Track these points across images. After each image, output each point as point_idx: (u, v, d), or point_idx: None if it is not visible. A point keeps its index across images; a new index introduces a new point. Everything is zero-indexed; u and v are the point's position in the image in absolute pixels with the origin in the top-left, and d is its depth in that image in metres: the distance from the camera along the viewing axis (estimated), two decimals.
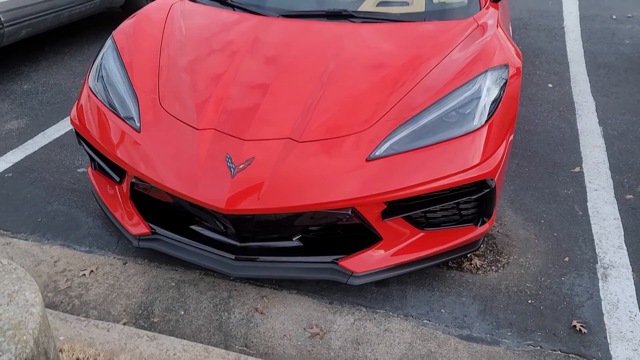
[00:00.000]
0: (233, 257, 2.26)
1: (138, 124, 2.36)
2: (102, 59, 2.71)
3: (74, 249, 2.63)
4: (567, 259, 2.57)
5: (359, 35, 2.71)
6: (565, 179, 3.16)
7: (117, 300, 2.34)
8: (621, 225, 2.77)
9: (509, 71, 2.45)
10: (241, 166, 2.13)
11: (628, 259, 2.55)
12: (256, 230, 2.23)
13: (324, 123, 2.26)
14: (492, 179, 2.22)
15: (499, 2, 3.10)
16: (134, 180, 2.31)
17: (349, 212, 2.12)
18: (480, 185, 2.23)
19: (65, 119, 3.85)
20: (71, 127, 3.74)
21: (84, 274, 2.47)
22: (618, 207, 2.91)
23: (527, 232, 2.75)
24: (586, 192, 3.03)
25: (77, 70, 4.68)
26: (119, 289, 2.40)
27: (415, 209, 2.21)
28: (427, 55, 2.53)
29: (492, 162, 2.22)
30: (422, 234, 2.32)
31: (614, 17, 5.96)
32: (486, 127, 2.25)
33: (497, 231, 2.75)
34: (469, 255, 2.59)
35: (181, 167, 2.19)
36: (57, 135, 3.64)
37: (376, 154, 2.16)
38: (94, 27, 5.72)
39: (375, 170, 2.14)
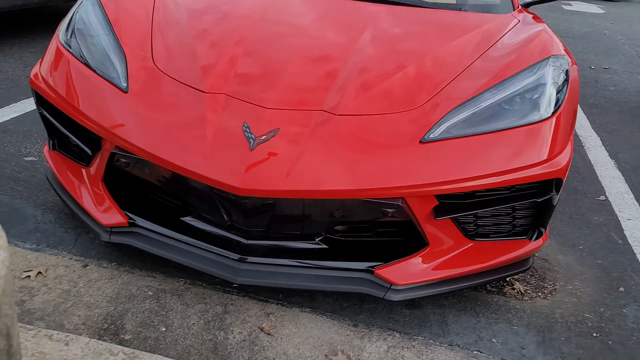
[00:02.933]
0: (237, 257, 1.74)
1: (125, 84, 1.85)
2: (77, 10, 2.19)
3: (16, 245, 2.02)
4: (622, 289, 2.19)
5: (397, 13, 2.34)
6: (592, 206, 2.84)
7: (73, 310, 1.75)
8: None
9: (568, 63, 2.12)
10: (263, 137, 1.65)
11: None
12: (272, 223, 1.73)
13: (366, 96, 1.83)
14: (561, 179, 1.84)
15: (529, 8, 2.83)
16: (115, 150, 1.77)
17: (399, 203, 1.66)
18: (546, 185, 1.85)
19: (11, 105, 3.23)
20: (17, 114, 3.12)
21: (29, 276, 1.86)
22: None
23: (567, 257, 2.38)
24: (619, 221, 2.71)
25: (27, 60, 4.07)
26: (77, 296, 1.81)
27: (471, 208, 1.79)
28: (476, 36, 2.18)
29: (562, 159, 1.85)
30: (470, 244, 1.88)
31: (592, 67, 5.97)
32: (554, 119, 1.88)
33: (534, 255, 2.35)
34: (508, 279, 2.17)
35: (182, 135, 1.68)
36: (0, 121, 3.02)
37: (431, 136, 1.74)
38: (50, 21, 5.14)
39: (430, 155, 1.71)
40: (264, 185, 1.57)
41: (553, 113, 1.89)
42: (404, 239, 1.82)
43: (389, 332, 1.83)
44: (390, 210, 1.70)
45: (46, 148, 2.17)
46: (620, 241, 2.54)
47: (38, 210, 2.24)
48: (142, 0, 2.24)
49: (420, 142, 1.72)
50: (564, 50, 2.27)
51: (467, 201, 1.78)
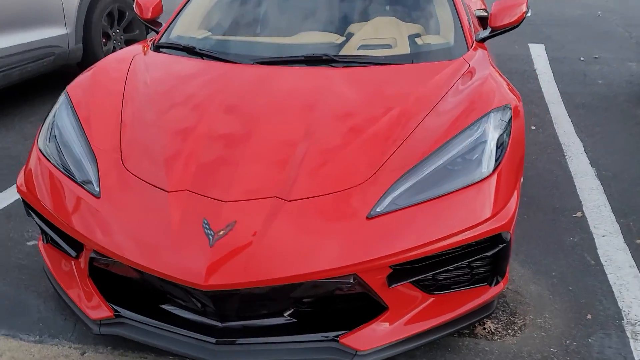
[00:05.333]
0: (214, 340, 1.90)
1: (97, 189, 2.03)
2: (54, 116, 2.38)
3: (21, 339, 2.21)
4: (589, 316, 2.30)
5: (343, 81, 2.47)
6: (568, 225, 2.93)
7: None
8: (639, 273, 2.53)
9: (511, 112, 2.23)
10: (221, 232, 1.81)
11: None
12: (241, 307, 1.89)
13: (314, 178, 1.98)
14: (507, 232, 1.96)
15: (484, 42, 2.93)
16: (93, 255, 1.96)
17: (351, 280, 1.81)
18: (494, 240, 1.97)
19: (13, 186, 3.45)
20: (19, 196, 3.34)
21: None
22: (631, 253, 2.68)
23: (539, 287, 2.48)
24: (594, 239, 2.80)
25: (28, 132, 4.31)
26: None
27: (424, 271, 1.92)
28: (420, 99, 2.30)
29: (506, 213, 1.96)
30: (432, 299, 2.01)
31: (582, 58, 5.98)
32: (496, 175, 2.00)
33: (507, 288, 2.47)
34: None
35: (149, 236, 1.85)
36: (3, 205, 3.24)
37: (377, 210, 1.88)
38: (48, 86, 5.38)
39: (377, 229, 1.85)
40: (224, 279, 1.73)
41: (495, 169, 2.00)
42: (366, 304, 1.96)
43: None
44: (345, 286, 1.84)
45: (41, 242, 2.37)
46: (593, 262, 2.63)
47: (40, 299, 2.43)
48: (111, 96, 2.43)
49: (367, 218, 1.86)
50: (509, 89, 2.38)
51: (418, 265, 1.91)
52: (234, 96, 2.39)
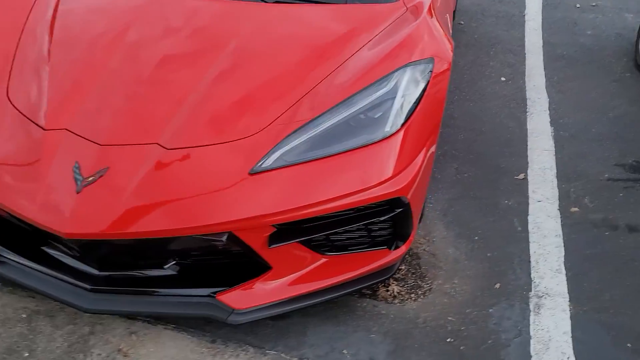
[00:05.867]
0: (88, 287, 1.85)
1: None
2: None
3: None
4: (498, 285, 2.22)
5: (265, 19, 2.28)
6: (507, 187, 2.80)
7: None
8: (562, 244, 2.43)
9: (434, 67, 2.05)
10: (90, 179, 1.71)
11: (566, 286, 2.22)
12: (113, 256, 1.82)
13: (204, 125, 1.85)
14: (404, 197, 1.84)
15: None
16: None
17: (223, 239, 1.72)
18: (391, 204, 1.85)
19: None
20: None
21: None
22: (561, 221, 2.56)
23: (458, 251, 2.39)
24: (528, 204, 2.68)
25: None
26: None
27: (312, 232, 1.83)
28: (341, 45, 2.12)
29: (405, 177, 1.84)
30: (324, 259, 1.93)
31: (578, 5, 5.61)
32: (400, 134, 1.86)
33: (424, 249, 2.39)
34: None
35: (18, 177, 1.76)
36: None
37: (262, 165, 1.76)
38: None
39: (260, 186, 1.74)
40: (87, 229, 1.65)
41: (399, 129, 1.86)
42: (250, 262, 1.88)
43: (244, 347, 1.93)
44: (220, 243, 1.76)
45: None
46: (520, 228, 2.53)
47: None
48: (13, 18, 2.26)
49: (250, 173, 1.74)
50: (443, 42, 2.19)
51: (306, 226, 1.81)
52: (145, 28, 2.22)
